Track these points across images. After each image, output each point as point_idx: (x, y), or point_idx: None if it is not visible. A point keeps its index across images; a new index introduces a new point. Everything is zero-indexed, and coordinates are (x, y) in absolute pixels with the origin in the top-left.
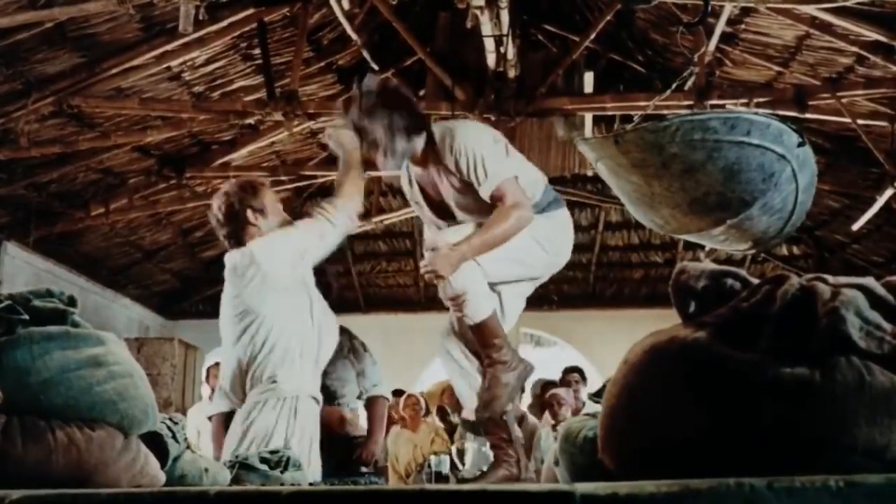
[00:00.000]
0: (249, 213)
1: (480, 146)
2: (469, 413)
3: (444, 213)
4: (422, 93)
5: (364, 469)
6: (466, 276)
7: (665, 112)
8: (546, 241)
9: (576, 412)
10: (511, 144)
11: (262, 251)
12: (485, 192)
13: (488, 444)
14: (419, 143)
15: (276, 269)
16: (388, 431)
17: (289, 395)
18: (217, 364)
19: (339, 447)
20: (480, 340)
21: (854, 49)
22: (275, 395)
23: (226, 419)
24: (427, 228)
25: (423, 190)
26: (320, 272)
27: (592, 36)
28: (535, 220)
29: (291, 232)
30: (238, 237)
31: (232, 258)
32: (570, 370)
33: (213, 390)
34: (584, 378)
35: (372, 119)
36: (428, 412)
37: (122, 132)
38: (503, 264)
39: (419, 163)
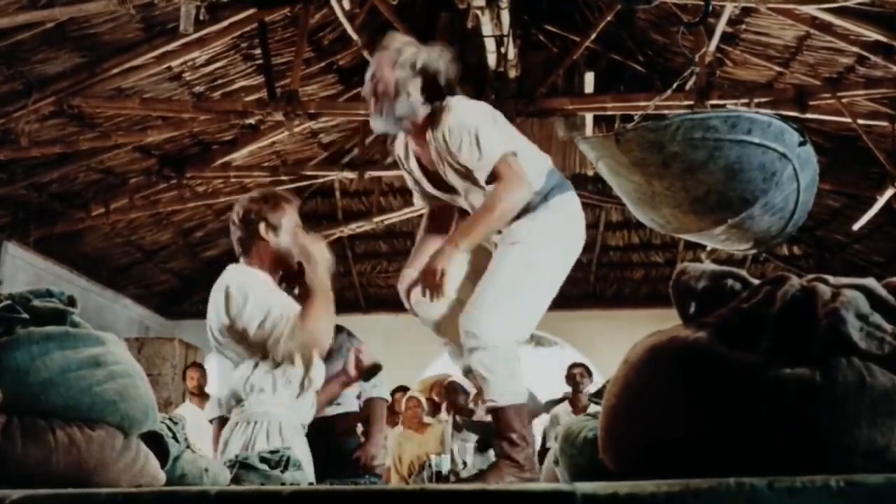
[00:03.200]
0: (262, 226)
1: (474, 122)
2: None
3: (443, 185)
4: None
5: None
6: (492, 335)
7: (665, 112)
8: (557, 240)
9: (583, 409)
10: None
11: (232, 300)
12: (481, 174)
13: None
14: (421, 113)
15: (241, 322)
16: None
17: (260, 420)
18: (194, 364)
19: (339, 448)
20: (496, 429)
21: (854, 49)
22: (245, 419)
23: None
24: (417, 198)
25: (420, 162)
26: None
27: (593, 36)
28: (540, 217)
29: (264, 310)
30: (246, 246)
31: (218, 281)
32: (574, 365)
33: (192, 394)
34: (589, 373)
35: (391, 68)
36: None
37: (122, 132)
38: (538, 303)
39: (417, 135)
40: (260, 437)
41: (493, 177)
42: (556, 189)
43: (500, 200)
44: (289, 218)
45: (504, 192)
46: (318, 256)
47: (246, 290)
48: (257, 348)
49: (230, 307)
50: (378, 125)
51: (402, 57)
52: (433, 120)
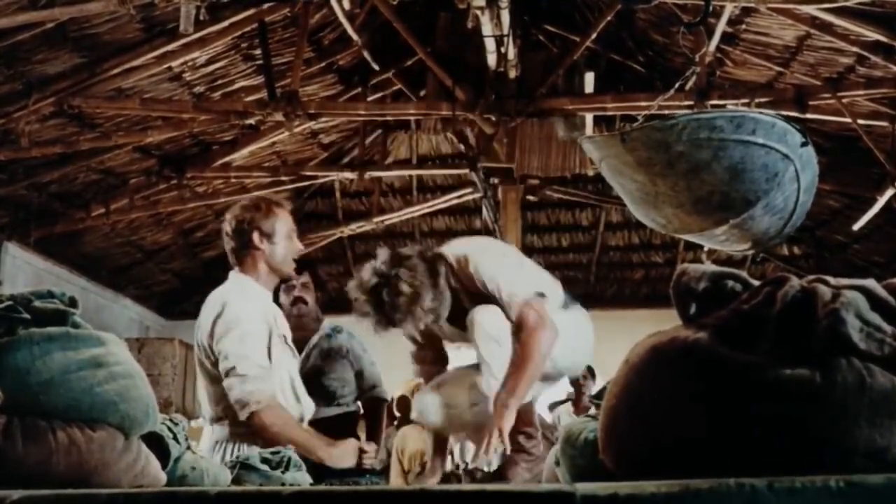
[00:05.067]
0: (256, 235)
1: (494, 270)
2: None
3: (460, 324)
4: (422, 93)
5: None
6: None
7: (664, 113)
8: (567, 337)
9: (585, 410)
10: (512, 142)
11: (223, 319)
12: (511, 316)
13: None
14: (444, 282)
15: (217, 348)
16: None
17: (238, 442)
18: None
19: None
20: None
21: (854, 49)
22: (224, 437)
23: None
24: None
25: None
26: (315, 274)
27: (593, 36)
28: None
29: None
30: (240, 257)
31: (217, 290)
32: None
33: None
34: (592, 375)
35: (398, 314)
36: None
37: (122, 132)
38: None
39: None
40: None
41: (518, 320)
42: (567, 304)
43: (532, 351)
44: (282, 223)
45: (533, 343)
46: (336, 460)
47: (241, 315)
48: (221, 378)
49: (217, 325)
50: (444, 325)
51: (413, 307)
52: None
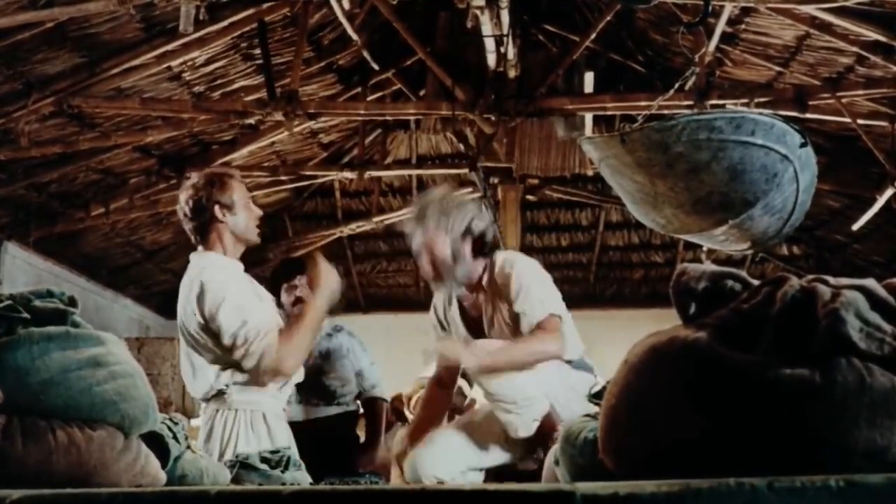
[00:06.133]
0: (217, 208)
1: (533, 278)
2: None
3: (479, 334)
4: (422, 93)
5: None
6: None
7: (664, 113)
8: (581, 392)
9: None
10: (511, 141)
11: (208, 298)
12: (527, 323)
13: None
14: (478, 270)
15: (215, 324)
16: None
17: (241, 409)
18: None
19: (340, 448)
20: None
21: (854, 49)
22: (226, 406)
23: None
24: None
25: (463, 311)
26: None
27: (593, 36)
28: (573, 373)
29: (239, 313)
30: (204, 233)
31: (188, 273)
32: None
33: None
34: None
35: (443, 239)
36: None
37: (122, 132)
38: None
39: (469, 286)
40: (243, 427)
41: (538, 328)
42: (581, 366)
43: (535, 343)
44: (239, 193)
45: (541, 340)
46: (328, 285)
47: (223, 289)
48: (229, 354)
49: (205, 305)
50: (444, 291)
51: (451, 225)
52: (487, 271)
